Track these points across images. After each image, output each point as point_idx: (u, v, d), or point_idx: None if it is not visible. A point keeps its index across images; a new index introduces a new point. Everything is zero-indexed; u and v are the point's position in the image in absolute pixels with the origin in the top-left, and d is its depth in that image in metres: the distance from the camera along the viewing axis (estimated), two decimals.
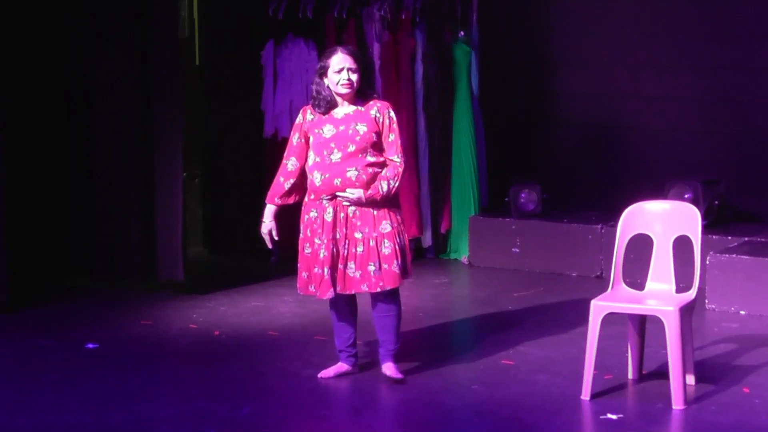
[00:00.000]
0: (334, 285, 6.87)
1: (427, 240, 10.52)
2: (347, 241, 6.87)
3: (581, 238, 9.86)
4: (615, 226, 7.12)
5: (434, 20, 10.33)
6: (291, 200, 7.08)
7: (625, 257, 6.98)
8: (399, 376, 7.01)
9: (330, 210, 6.88)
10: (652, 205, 7.05)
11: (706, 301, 8.74)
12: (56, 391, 6.95)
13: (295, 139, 7.04)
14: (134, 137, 9.23)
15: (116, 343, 7.94)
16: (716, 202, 9.68)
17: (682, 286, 6.99)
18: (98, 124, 9.32)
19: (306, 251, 6.97)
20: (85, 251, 9.44)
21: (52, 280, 9.37)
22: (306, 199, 7.01)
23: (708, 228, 8.98)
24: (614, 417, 6.46)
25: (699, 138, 10.22)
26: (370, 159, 6.86)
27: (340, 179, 6.83)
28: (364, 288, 6.90)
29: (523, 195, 10.20)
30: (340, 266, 6.88)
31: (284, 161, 7.07)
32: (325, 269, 6.85)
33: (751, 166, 10.12)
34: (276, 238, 7.11)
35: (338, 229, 6.87)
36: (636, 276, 7.44)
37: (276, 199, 7.07)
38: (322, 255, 6.86)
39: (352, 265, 6.88)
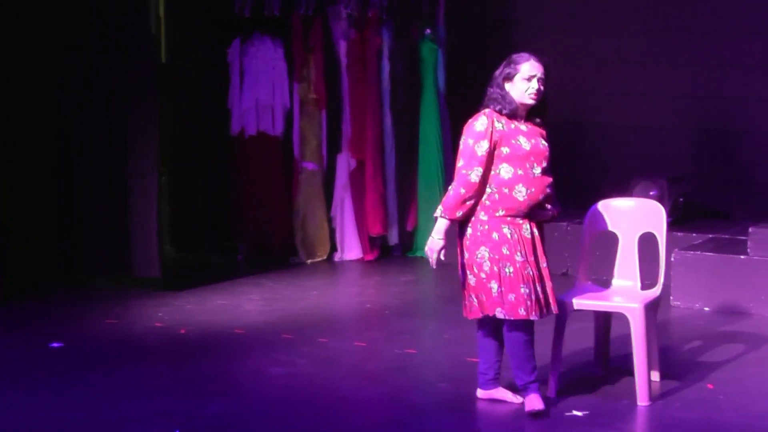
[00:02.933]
0: (545, 304, 6.44)
1: (394, 238, 10.53)
2: (539, 259, 6.47)
3: (547, 236, 9.75)
4: (581, 223, 7.14)
5: (401, 18, 10.34)
6: (467, 214, 6.40)
7: (590, 254, 7.01)
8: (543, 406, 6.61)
9: (527, 226, 6.43)
10: (618, 203, 7.08)
11: (671, 297, 8.78)
12: (19, 391, 6.90)
13: (482, 148, 6.33)
14: (108, 135, 9.21)
15: (81, 341, 7.90)
16: (681, 200, 9.73)
17: (648, 283, 7.02)
18: (72, 122, 9.28)
19: (507, 271, 6.35)
20: (56, 249, 9.39)
21: (19, 279, 9.32)
22: (484, 215, 6.39)
23: (673, 225, 9.02)
24: (580, 414, 6.47)
25: (664, 135, 10.26)
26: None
27: (543, 195, 6.48)
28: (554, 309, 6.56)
29: None
30: (548, 283, 6.48)
31: (464, 171, 6.34)
32: (537, 287, 6.39)
33: (716, 163, 10.17)
34: (443, 258, 6.51)
35: (537, 246, 6.49)
36: (601, 273, 7.46)
37: (457, 213, 6.36)
38: (531, 273, 6.38)
39: (547, 284, 6.50)
